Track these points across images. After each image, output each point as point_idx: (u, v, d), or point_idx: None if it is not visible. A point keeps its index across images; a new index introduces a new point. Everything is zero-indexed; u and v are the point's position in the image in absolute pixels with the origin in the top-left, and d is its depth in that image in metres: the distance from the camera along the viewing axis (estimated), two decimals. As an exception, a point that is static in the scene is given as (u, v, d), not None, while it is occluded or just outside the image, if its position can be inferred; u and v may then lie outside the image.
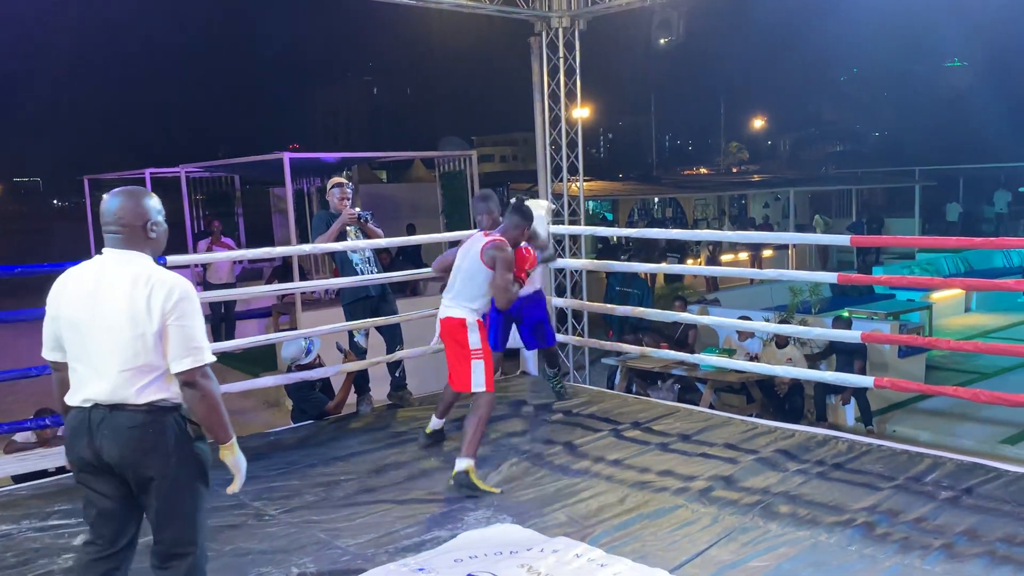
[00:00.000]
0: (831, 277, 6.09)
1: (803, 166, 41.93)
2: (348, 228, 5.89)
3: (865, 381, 5.57)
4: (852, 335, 5.91)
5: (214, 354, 2.77)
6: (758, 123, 52.94)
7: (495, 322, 5.50)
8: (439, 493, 4.37)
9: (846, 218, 27.40)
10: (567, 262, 9.23)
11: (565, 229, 8.89)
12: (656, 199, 33.09)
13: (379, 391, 6.22)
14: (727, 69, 49.56)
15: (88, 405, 2.66)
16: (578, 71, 9.55)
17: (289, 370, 5.98)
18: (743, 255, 20.09)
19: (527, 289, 5.27)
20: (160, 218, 2.80)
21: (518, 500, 4.25)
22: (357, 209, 5.94)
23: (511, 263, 4.54)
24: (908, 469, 4.42)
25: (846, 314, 9.53)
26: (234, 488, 2.86)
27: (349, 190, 5.98)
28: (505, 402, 6.09)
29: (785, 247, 19.31)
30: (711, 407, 7.55)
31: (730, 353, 8.79)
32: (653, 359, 9.09)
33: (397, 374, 6.10)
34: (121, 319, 2.62)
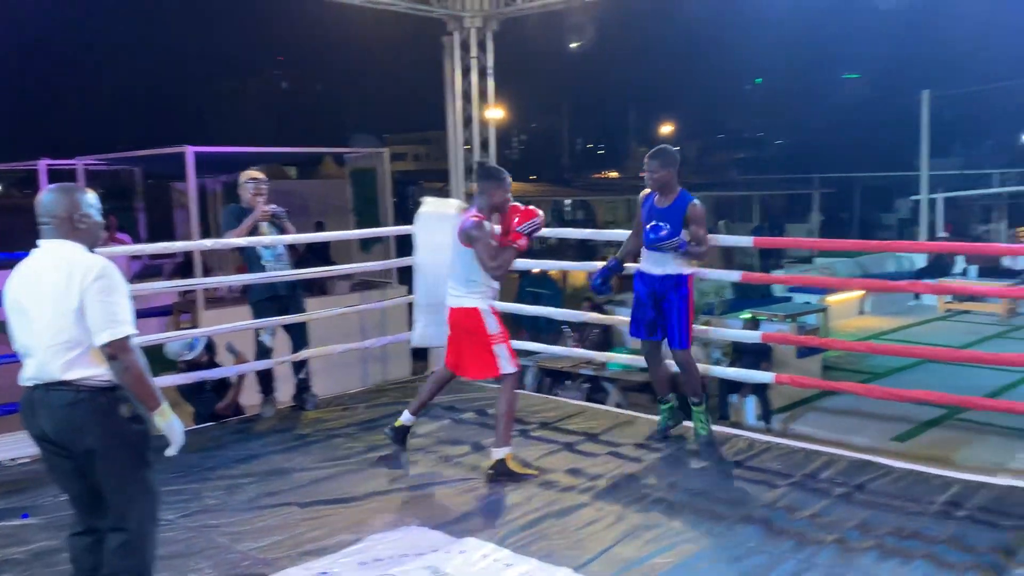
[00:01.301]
0: (735, 275, 6.30)
1: (709, 172, 43.03)
2: (260, 224, 5.75)
3: (766, 377, 5.75)
4: (753, 335, 6.08)
5: None
6: (667, 129, 54.03)
7: (639, 301, 4.98)
8: (345, 495, 4.30)
9: (748, 223, 28.20)
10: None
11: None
12: (568, 201, 33.40)
13: (284, 392, 6.09)
14: (638, 75, 50.42)
15: (31, 385, 2.86)
16: (491, 72, 9.57)
17: (180, 368, 5.82)
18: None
19: (660, 269, 4.80)
20: (91, 211, 2.96)
21: (425, 502, 4.23)
22: (272, 205, 5.80)
23: (480, 237, 4.35)
24: (805, 466, 4.57)
25: (749, 315, 9.81)
26: (171, 452, 2.97)
27: (264, 185, 5.83)
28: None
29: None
30: (619, 406, 7.67)
31: (637, 353, 8.93)
32: (563, 359, 9.19)
33: (302, 375, 5.98)
34: (45, 300, 2.81)
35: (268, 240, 5.69)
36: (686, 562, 3.50)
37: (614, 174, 45.88)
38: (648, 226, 4.80)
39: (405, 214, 11.26)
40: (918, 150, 20.57)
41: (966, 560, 3.43)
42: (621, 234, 5.50)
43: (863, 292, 14.10)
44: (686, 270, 4.84)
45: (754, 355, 8.81)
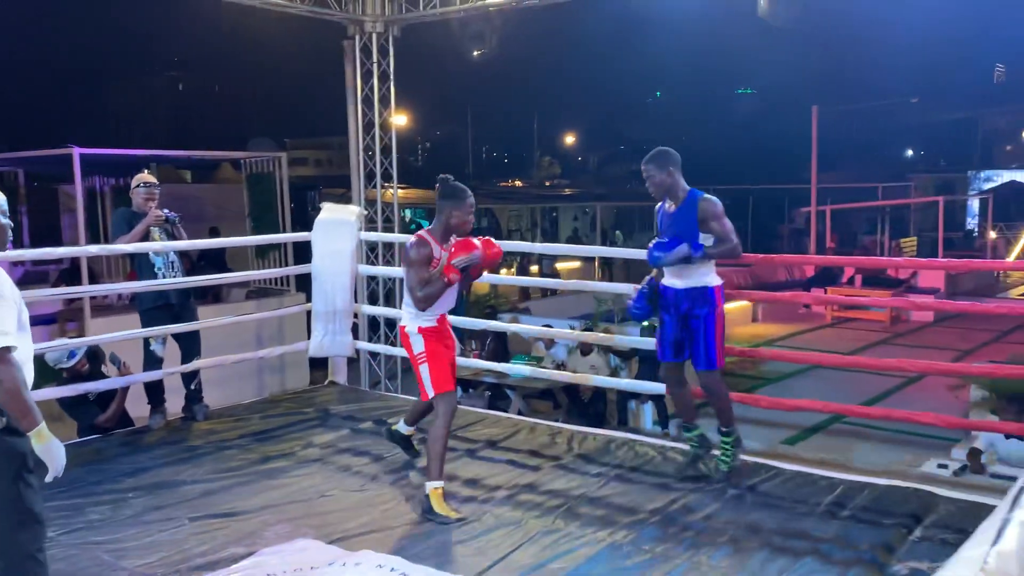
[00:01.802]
0: (630, 288, 6.38)
1: (610, 182, 43.80)
2: (152, 230, 5.56)
3: (659, 387, 5.84)
4: (651, 343, 6.18)
5: None
6: (570, 139, 54.78)
7: (663, 320, 4.57)
8: (237, 508, 4.18)
9: (649, 232, 28.79)
10: (380, 270, 9.14)
11: (378, 236, 8.80)
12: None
13: (175, 404, 5.89)
14: (542, 85, 50.96)
15: None
16: (392, 77, 9.50)
17: (62, 378, 5.56)
18: (558, 264, 20.73)
19: (683, 282, 4.40)
20: None
21: (321, 514, 4.14)
22: (165, 210, 5.61)
23: (413, 261, 4.07)
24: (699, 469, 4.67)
25: (646, 323, 10.00)
26: (50, 477, 2.75)
27: (157, 190, 5.64)
28: (311, 411, 5.94)
29: (592, 260, 20.06)
30: (520, 413, 7.70)
31: (538, 360, 9.00)
32: (465, 367, 9.17)
33: (193, 386, 5.80)
34: None
35: (159, 246, 5.51)
36: (583, 566, 3.53)
37: (519, 183, 46.22)
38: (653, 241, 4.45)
39: (304, 220, 11.10)
40: (808, 163, 21.39)
41: (849, 557, 3.56)
42: (522, 245, 5.49)
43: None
44: (713, 280, 4.40)
45: (654, 362, 8.98)
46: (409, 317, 4.22)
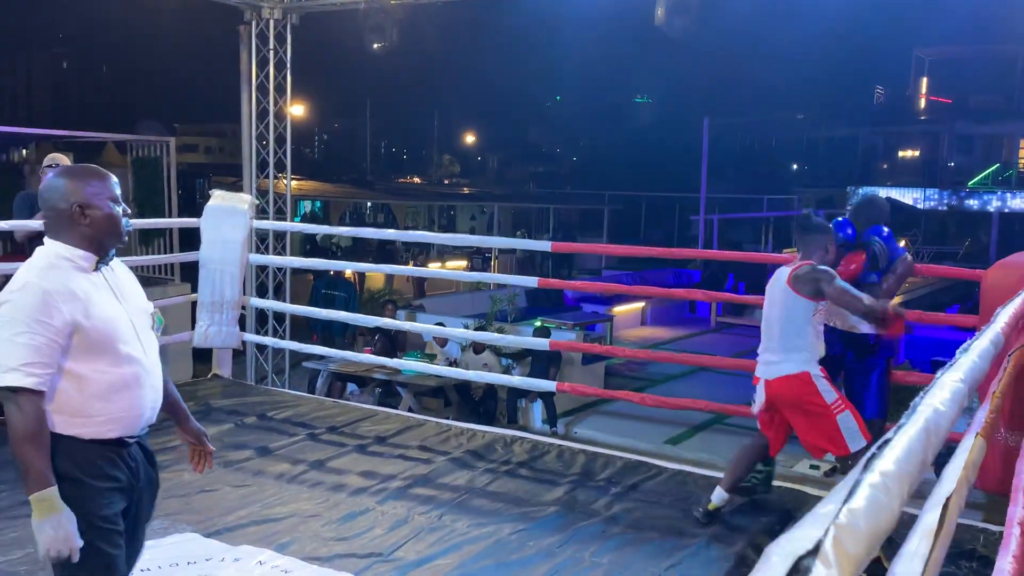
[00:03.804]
0: (532, 281, 6.51)
1: (509, 183, 44.09)
2: None
3: (548, 385, 5.94)
4: (542, 343, 6.28)
5: None
6: (470, 138, 54.86)
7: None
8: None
9: (545, 234, 29.10)
10: (270, 259, 8.94)
11: (270, 225, 8.59)
12: (369, 204, 33.06)
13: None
14: (445, 84, 50.89)
15: None
16: (288, 65, 9.31)
17: None
18: (451, 263, 20.75)
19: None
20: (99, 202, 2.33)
21: (200, 509, 4.03)
22: None
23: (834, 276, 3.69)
24: (584, 467, 4.76)
25: (539, 323, 10.12)
26: (41, 559, 2.18)
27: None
28: (192, 405, 5.76)
29: (489, 258, 20.17)
30: (410, 411, 7.67)
31: (431, 358, 8.98)
32: (356, 363, 9.06)
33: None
34: None
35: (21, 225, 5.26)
36: (468, 562, 3.54)
37: (417, 180, 45.99)
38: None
39: (192, 208, 10.74)
40: (699, 172, 22.10)
41: (726, 553, 3.70)
42: (421, 235, 5.47)
43: (645, 304, 14.95)
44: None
45: (544, 361, 9.10)
46: (804, 360, 3.73)
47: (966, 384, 1.52)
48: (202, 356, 8.54)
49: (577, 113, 47.79)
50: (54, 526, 2.13)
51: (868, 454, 1.06)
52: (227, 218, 5.98)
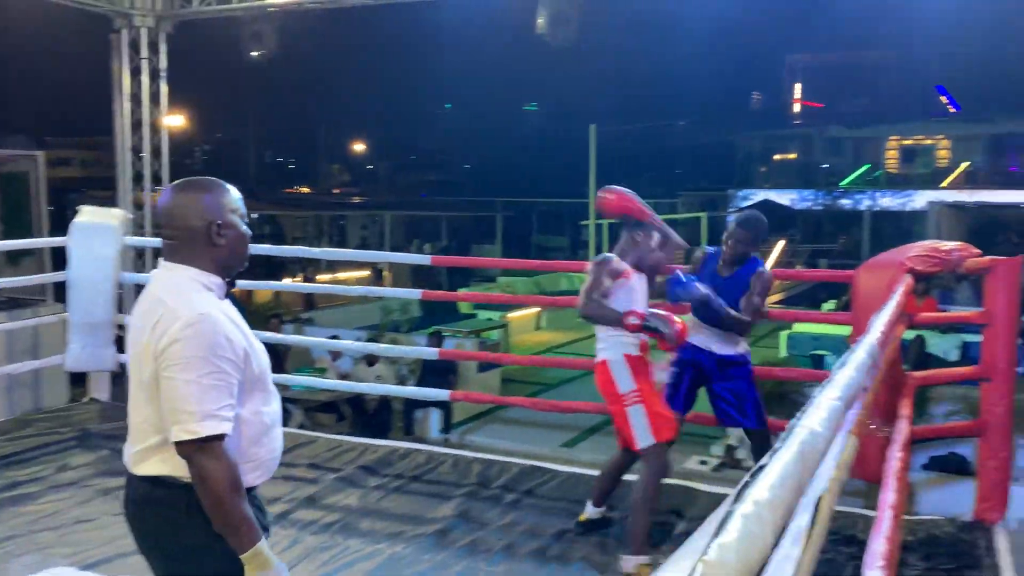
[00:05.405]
0: (416, 293, 6.41)
1: (400, 191, 43.78)
2: None
3: (441, 395, 5.89)
4: (431, 352, 6.22)
5: None
6: (359, 146, 54.23)
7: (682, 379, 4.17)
8: (-25, 542, 3.76)
9: (439, 242, 29.03)
10: (147, 276, 8.58)
11: (146, 241, 8.26)
12: (255, 215, 32.32)
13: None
14: (331, 91, 50.10)
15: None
16: (164, 75, 8.99)
17: None
18: (341, 275, 20.43)
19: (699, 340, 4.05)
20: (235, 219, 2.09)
21: (76, 541, 3.81)
22: None
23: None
24: (479, 475, 4.73)
25: (431, 331, 10.07)
26: None
27: None
28: (68, 431, 5.47)
29: (380, 270, 19.97)
30: (302, 427, 7.49)
31: (322, 372, 8.81)
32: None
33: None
34: (134, 356, 2.00)
35: None
36: (361, 581, 3.47)
37: (305, 189, 45.14)
38: None
39: (65, 225, 10.22)
40: (587, 179, 22.41)
41: (619, 553, 3.73)
42: (304, 251, 5.34)
43: (540, 309, 15.07)
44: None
45: (441, 370, 9.05)
46: (607, 347, 3.68)
47: (843, 402, 1.54)
48: (78, 379, 8.14)
49: (468, 121, 47.88)
50: None
51: (741, 482, 1.05)
52: (97, 235, 5.72)
